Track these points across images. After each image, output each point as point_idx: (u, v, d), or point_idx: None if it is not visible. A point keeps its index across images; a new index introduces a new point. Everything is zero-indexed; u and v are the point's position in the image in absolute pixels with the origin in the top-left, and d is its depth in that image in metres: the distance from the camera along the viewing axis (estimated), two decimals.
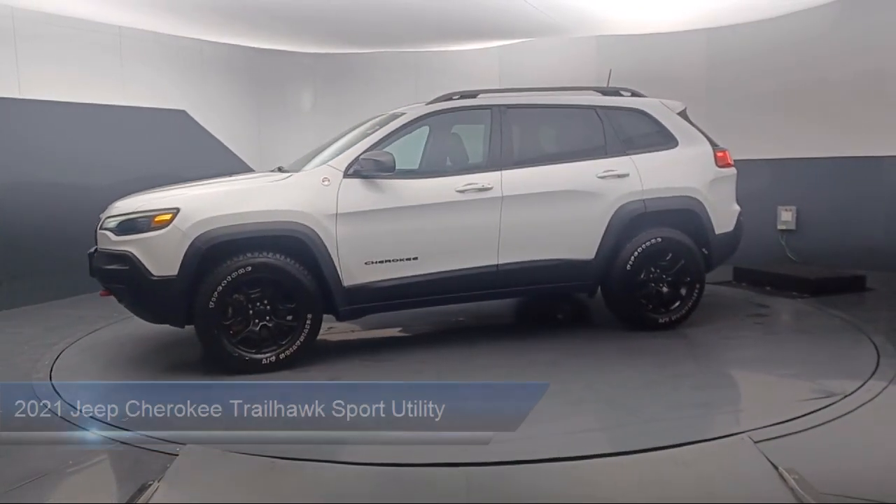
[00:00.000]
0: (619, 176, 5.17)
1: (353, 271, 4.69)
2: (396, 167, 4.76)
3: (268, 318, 4.56)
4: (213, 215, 4.47)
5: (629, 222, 5.16)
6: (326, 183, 4.66)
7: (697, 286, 5.33)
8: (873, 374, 4.25)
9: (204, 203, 4.57)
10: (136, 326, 5.94)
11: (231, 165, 9.02)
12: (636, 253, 5.16)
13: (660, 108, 5.54)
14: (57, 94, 7.55)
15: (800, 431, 3.42)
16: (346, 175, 4.70)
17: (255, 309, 4.53)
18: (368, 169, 4.68)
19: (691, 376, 4.35)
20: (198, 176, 5.53)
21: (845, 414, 3.63)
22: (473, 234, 4.91)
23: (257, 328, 4.53)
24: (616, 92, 5.63)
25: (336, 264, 4.63)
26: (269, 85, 10.79)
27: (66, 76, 7.70)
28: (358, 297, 4.74)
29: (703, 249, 5.39)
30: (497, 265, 4.96)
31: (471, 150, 5.45)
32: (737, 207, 5.65)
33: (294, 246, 4.55)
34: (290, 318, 4.60)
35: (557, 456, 3.18)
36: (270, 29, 8.53)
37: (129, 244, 4.49)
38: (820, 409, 3.65)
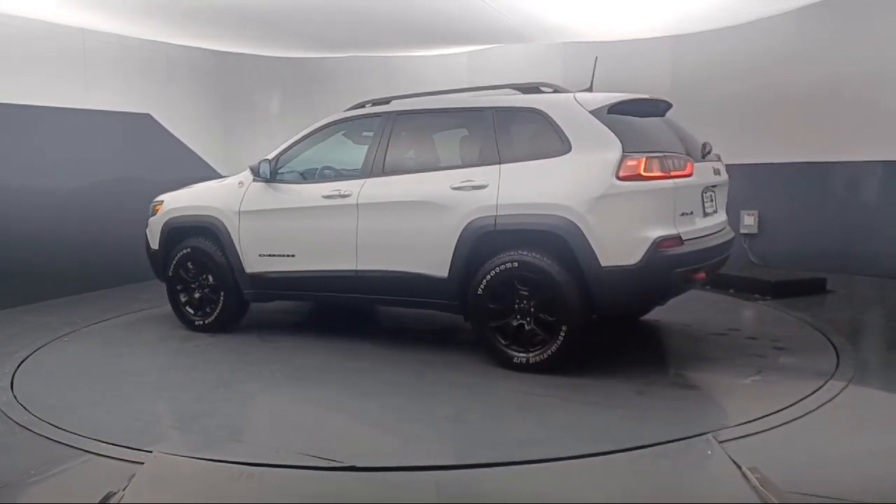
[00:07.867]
0: (475, 187, 4.61)
1: (252, 260, 5.52)
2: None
3: (206, 289, 5.76)
4: (173, 207, 5.94)
5: (478, 240, 4.59)
6: (241, 185, 5.59)
7: (563, 328, 4.34)
8: (833, 374, 4.36)
9: (173, 198, 6.03)
10: (100, 332, 5.89)
11: (197, 169, 8.95)
12: (488, 277, 4.54)
13: (564, 106, 4.60)
14: (18, 97, 7.40)
15: (762, 431, 3.48)
16: (255, 179, 5.51)
17: (198, 281, 5.78)
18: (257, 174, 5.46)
19: (654, 378, 4.40)
20: (169, 180, 6.25)
21: (806, 414, 3.71)
22: (334, 239, 5.14)
23: (196, 296, 5.79)
24: (536, 89, 4.94)
25: (239, 253, 5.54)
26: (237, 89, 10.68)
27: (27, 79, 7.54)
28: (258, 284, 5.54)
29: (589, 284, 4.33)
30: (356, 270, 5.08)
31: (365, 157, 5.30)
32: (653, 234, 4.21)
33: (212, 235, 5.64)
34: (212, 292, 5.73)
35: (524, 459, 3.21)
36: (237, 33, 8.46)
37: (147, 225, 6.16)
38: (782, 410, 3.72)
